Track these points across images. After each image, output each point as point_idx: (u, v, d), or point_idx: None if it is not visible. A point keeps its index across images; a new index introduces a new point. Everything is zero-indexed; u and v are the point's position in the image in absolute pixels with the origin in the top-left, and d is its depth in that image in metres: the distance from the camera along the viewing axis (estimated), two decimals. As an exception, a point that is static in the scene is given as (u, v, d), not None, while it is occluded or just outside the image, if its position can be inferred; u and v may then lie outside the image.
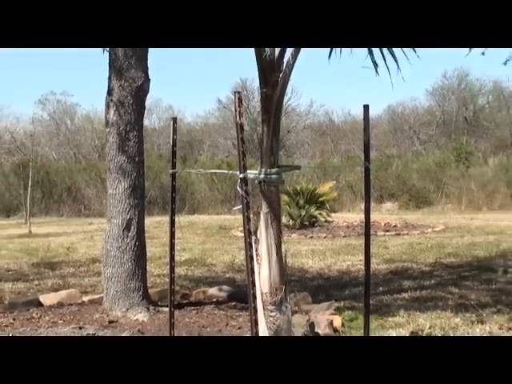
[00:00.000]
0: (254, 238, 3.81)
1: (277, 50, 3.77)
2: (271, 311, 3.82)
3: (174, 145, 4.24)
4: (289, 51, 3.76)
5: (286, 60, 3.77)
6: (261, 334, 3.76)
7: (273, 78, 3.77)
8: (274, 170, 3.85)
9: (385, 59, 3.79)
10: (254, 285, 3.76)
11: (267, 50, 3.73)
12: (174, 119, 4.39)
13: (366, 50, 3.85)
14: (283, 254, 3.91)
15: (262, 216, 3.85)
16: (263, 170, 3.82)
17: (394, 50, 3.79)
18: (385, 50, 3.79)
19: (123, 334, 6.06)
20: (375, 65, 3.81)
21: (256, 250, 3.84)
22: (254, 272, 3.78)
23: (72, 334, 6.05)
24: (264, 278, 3.85)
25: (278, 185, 3.94)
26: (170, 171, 4.26)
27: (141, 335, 5.55)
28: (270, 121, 3.83)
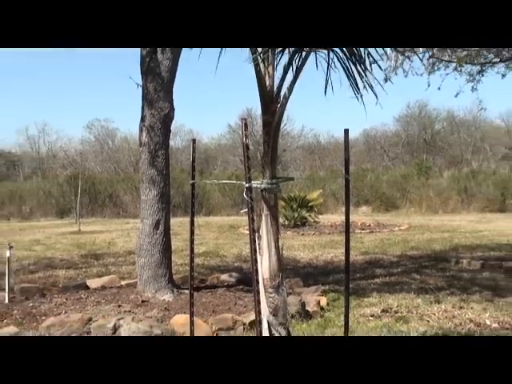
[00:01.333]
0: (256, 234, 3.80)
1: (275, 85, 3.76)
2: (270, 293, 3.81)
3: (194, 161, 4.23)
4: (285, 86, 3.75)
5: (282, 93, 3.76)
6: (262, 312, 3.75)
7: (272, 108, 3.77)
8: (272, 181, 3.84)
9: (356, 89, 3.77)
10: (257, 272, 3.75)
11: (268, 84, 3.72)
12: (194, 140, 4.39)
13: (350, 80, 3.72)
14: (280, 248, 3.89)
15: (263, 217, 3.83)
16: (264, 180, 3.81)
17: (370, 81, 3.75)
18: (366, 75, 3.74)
19: (153, 312, 6.05)
20: (357, 92, 3.79)
21: (258, 245, 3.83)
22: (257, 262, 3.76)
23: (112, 312, 6.04)
24: (265, 266, 3.83)
25: (276, 192, 3.93)
26: (190, 182, 4.25)
27: (142, 335, 5.06)
28: (269, 142, 3.83)
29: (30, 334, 5.45)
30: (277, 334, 3.78)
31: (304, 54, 3.62)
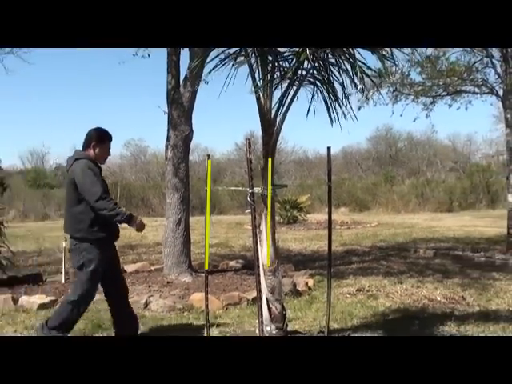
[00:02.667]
0: (258, 229, 3.80)
1: (272, 113, 3.78)
2: (269, 276, 3.81)
3: (208, 171, 4.23)
4: (280, 114, 3.76)
5: (278, 119, 3.77)
6: (262, 290, 3.75)
7: (270, 131, 3.78)
8: (270, 187, 3.85)
9: (335, 114, 3.78)
10: (258, 259, 3.75)
11: (266, 112, 3.74)
12: (208, 156, 4.39)
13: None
14: (276, 240, 3.90)
15: (263, 216, 3.84)
16: (264, 187, 3.82)
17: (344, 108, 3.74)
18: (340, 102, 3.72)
19: (176, 290, 6.04)
20: (337, 118, 3.80)
21: (259, 237, 3.84)
22: (258, 251, 3.77)
23: (144, 291, 6.03)
24: (264, 255, 3.84)
25: (273, 196, 3.94)
26: (205, 188, 4.26)
27: (147, 335, 4.37)
28: (268, 156, 3.84)
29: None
30: (274, 309, 3.78)
31: (295, 88, 3.65)
